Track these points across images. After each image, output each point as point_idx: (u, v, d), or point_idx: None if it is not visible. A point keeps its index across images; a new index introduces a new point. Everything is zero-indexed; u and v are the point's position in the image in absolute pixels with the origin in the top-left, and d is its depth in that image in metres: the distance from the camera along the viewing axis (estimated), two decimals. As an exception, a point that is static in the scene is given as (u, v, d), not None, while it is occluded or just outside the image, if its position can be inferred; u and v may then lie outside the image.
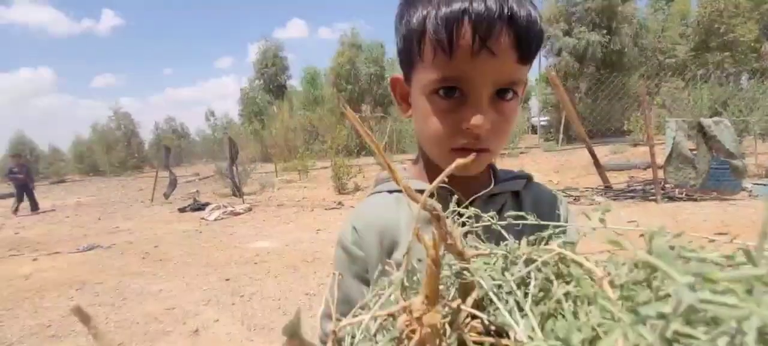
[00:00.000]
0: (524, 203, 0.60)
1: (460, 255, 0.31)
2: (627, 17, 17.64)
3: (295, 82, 30.87)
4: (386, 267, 0.39)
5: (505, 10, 0.45)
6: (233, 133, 16.49)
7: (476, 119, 0.47)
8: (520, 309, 0.27)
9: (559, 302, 0.26)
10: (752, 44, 18.59)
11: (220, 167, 11.18)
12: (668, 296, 0.22)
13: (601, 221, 0.34)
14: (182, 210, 8.37)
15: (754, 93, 8.32)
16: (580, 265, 0.28)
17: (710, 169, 5.57)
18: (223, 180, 10.97)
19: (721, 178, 5.57)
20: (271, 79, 30.56)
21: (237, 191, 9.51)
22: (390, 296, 0.32)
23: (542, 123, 21.41)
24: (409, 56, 0.53)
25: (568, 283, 0.28)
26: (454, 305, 0.30)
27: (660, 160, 5.79)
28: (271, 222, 6.58)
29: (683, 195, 5.75)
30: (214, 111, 34.72)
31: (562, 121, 16.25)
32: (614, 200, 6.00)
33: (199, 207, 8.29)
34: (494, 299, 0.27)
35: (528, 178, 0.64)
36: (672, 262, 0.20)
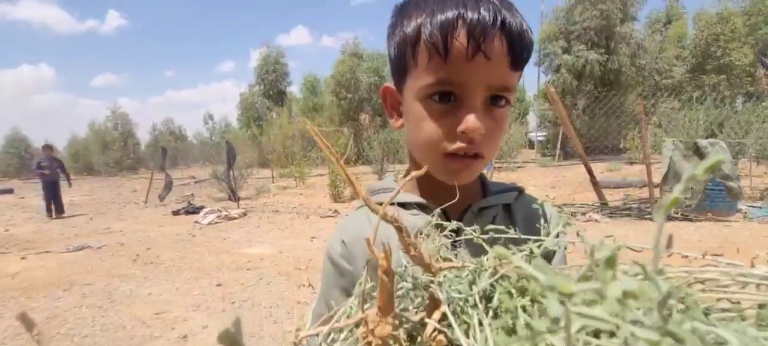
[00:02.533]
0: (516, 216, 0.59)
1: (427, 268, 0.30)
2: (625, 37, 17.88)
3: (295, 89, 30.99)
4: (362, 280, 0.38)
5: (499, 18, 0.47)
6: (231, 138, 16.46)
7: (471, 119, 0.48)
8: (481, 323, 0.26)
9: (511, 314, 0.25)
10: (747, 68, 18.87)
11: (217, 171, 11.11)
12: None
13: (578, 235, 0.35)
14: (176, 213, 8.30)
15: (749, 116, 8.41)
16: (535, 278, 0.28)
17: (706, 190, 5.60)
18: (219, 184, 10.91)
19: (717, 199, 5.60)
20: (271, 86, 30.63)
21: (232, 196, 9.45)
22: (354, 306, 0.31)
23: (539, 139, 21.52)
24: (402, 63, 0.53)
25: (522, 296, 0.27)
26: (417, 318, 0.29)
27: (656, 178, 5.82)
28: (265, 228, 6.53)
29: (679, 215, 5.76)
30: (213, 115, 34.63)
31: (560, 136, 16.35)
32: (610, 217, 6.00)
33: (194, 210, 8.22)
34: (448, 313, 0.27)
35: (519, 190, 0.62)
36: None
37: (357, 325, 0.31)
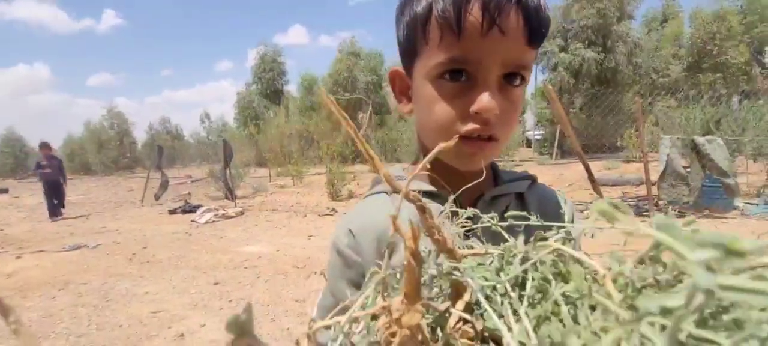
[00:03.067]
0: (529, 205, 0.58)
1: (451, 253, 0.28)
2: (622, 36, 17.92)
3: (292, 88, 30.91)
4: (376, 269, 0.36)
5: None
6: (228, 137, 16.41)
7: (485, 98, 0.45)
8: (515, 312, 0.24)
9: (556, 303, 0.23)
10: (743, 67, 18.97)
11: (213, 170, 11.06)
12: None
13: (609, 219, 0.32)
14: (173, 212, 8.25)
15: (746, 114, 8.44)
16: (581, 262, 0.26)
17: (703, 187, 5.61)
18: (216, 183, 10.86)
19: (714, 196, 5.62)
20: (269, 84, 30.53)
21: (229, 195, 9.41)
22: (370, 296, 0.29)
23: (537, 137, 21.57)
24: (412, 44, 0.51)
25: (566, 282, 0.25)
26: (442, 307, 0.26)
27: (653, 176, 5.82)
28: (263, 227, 6.50)
29: (676, 212, 5.77)
30: (210, 114, 34.49)
31: (557, 135, 16.38)
32: (608, 214, 6.01)
33: (190, 209, 8.18)
34: (483, 301, 0.25)
35: (532, 179, 0.61)
36: (681, 237, 0.16)
37: (376, 316, 0.28)
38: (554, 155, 16.54)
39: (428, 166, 0.57)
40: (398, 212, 0.27)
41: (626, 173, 10.10)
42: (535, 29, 0.47)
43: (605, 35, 17.77)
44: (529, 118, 23.30)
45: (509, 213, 0.36)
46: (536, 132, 21.82)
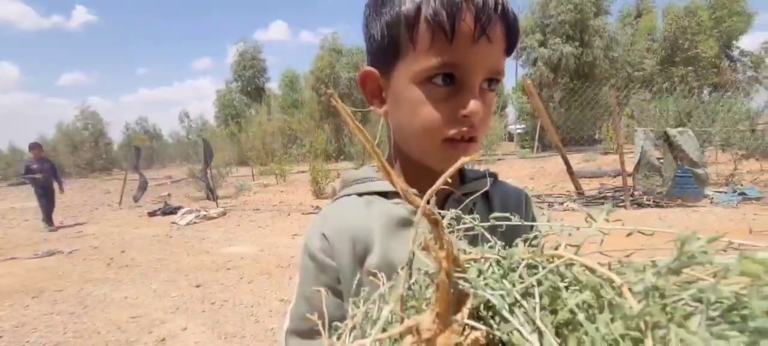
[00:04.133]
0: (493, 203, 0.59)
1: (455, 262, 0.27)
2: (598, 30, 18.35)
3: (273, 86, 30.48)
4: (368, 277, 0.35)
5: (499, 1, 0.47)
6: (208, 136, 16.08)
7: (474, 105, 0.47)
8: (532, 322, 0.23)
9: (572, 312, 0.23)
10: (713, 60, 19.69)
11: (194, 170, 10.84)
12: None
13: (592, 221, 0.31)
14: (152, 214, 8.06)
15: (715, 106, 8.77)
16: (593, 271, 0.25)
17: (675, 177, 5.82)
18: (197, 183, 10.65)
19: (685, 185, 5.83)
20: (249, 82, 30.06)
21: (211, 195, 9.24)
22: (389, 313, 0.27)
23: (518, 131, 21.92)
24: (394, 45, 0.50)
25: (580, 291, 0.25)
26: (458, 318, 0.25)
27: (629, 167, 6.00)
28: (245, 226, 6.41)
29: (651, 202, 5.97)
30: (190, 113, 33.77)
31: (538, 129, 16.68)
32: (586, 206, 6.16)
33: (171, 211, 8.00)
34: (505, 314, 0.24)
35: (495, 176, 0.62)
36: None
37: (401, 336, 0.25)
38: (535, 149, 16.84)
39: (400, 169, 0.58)
40: (417, 226, 0.25)
41: (604, 164, 10.37)
42: (514, 38, 0.50)
43: (582, 30, 18.16)
44: (511, 112, 23.65)
45: (494, 214, 0.37)
46: (518, 126, 22.16)
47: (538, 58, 18.34)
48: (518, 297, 0.25)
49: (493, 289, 0.25)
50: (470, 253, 0.30)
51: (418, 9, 0.47)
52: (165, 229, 6.60)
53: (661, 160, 5.89)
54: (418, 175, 0.52)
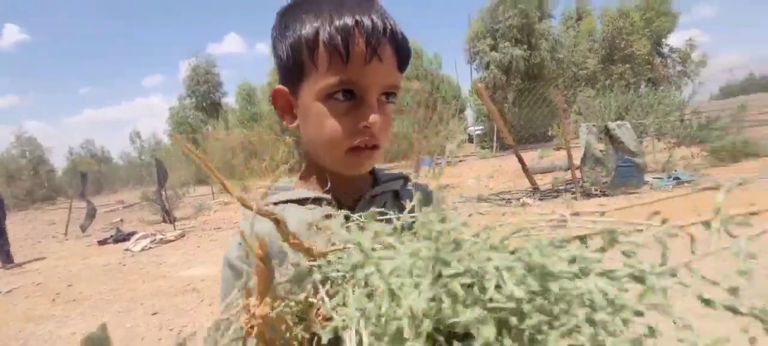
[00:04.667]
0: (404, 201, 0.64)
1: (308, 252, 0.33)
2: (544, 33, 19.40)
3: (230, 100, 29.61)
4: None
5: (387, 26, 0.53)
6: (162, 156, 15.37)
7: (373, 118, 0.52)
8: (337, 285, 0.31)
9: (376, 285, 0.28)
10: (646, 57, 21.36)
11: (147, 193, 10.31)
12: None
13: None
14: (103, 242, 7.59)
15: (650, 99, 9.53)
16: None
17: (618, 168, 6.27)
18: (152, 206, 10.14)
19: (627, 174, 6.29)
20: (204, 97, 29.01)
21: (167, 217, 8.83)
22: (236, 300, 0.34)
23: (477, 132, 22.63)
24: (299, 66, 0.55)
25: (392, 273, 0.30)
26: (301, 297, 0.32)
27: (576, 161, 6.39)
28: (206, 247, 6.19)
29: (598, 192, 6.38)
30: (141, 132, 32.11)
31: (495, 129, 17.32)
32: (541, 200, 6.49)
33: (123, 238, 7.56)
34: (320, 289, 0.31)
35: (406, 178, 0.68)
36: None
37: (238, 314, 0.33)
38: (494, 149, 17.47)
39: (316, 176, 0.63)
40: (251, 228, 0.33)
41: (557, 160, 10.94)
42: (404, 58, 0.56)
43: (529, 33, 19.13)
44: (470, 115, 24.38)
45: (373, 209, 0.42)
46: (476, 128, 22.88)
47: (490, 62, 19.10)
48: (347, 275, 0.31)
49: (338, 271, 0.31)
50: (335, 245, 0.36)
51: (317, 33, 0.52)
52: (117, 257, 6.23)
53: (604, 153, 6.32)
54: (333, 181, 0.57)
